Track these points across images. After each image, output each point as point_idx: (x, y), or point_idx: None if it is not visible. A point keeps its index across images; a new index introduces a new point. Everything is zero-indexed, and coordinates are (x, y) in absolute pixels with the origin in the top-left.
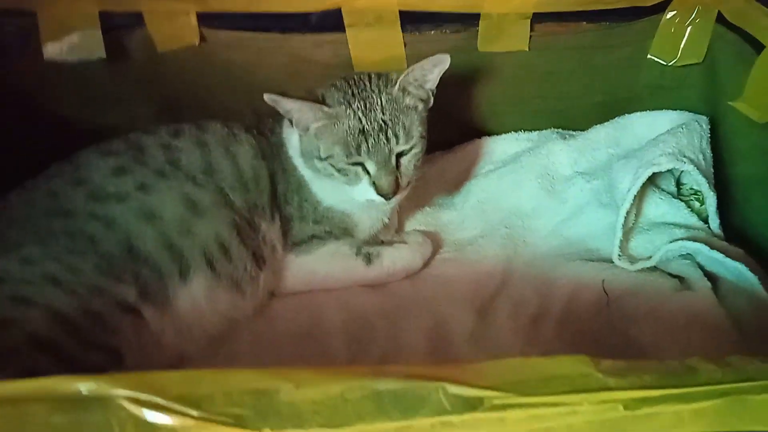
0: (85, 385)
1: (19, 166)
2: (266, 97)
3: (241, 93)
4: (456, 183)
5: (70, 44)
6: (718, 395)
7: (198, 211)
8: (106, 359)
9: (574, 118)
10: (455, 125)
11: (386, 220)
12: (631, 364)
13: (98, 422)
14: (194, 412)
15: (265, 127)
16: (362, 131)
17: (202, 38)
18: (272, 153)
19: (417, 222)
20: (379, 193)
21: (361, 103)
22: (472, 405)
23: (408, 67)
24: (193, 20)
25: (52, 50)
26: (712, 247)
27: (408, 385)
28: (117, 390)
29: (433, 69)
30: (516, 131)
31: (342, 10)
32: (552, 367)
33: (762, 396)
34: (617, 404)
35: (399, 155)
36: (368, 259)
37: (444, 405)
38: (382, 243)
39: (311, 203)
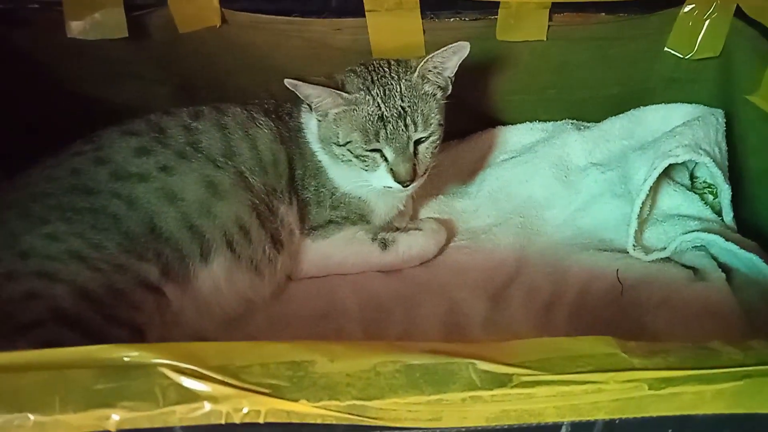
0: (129, 354)
1: (38, 139)
2: (287, 81)
3: (260, 76)
4: (470, 171)
5: (94, 23)
6: (739, 377)
7: (218, 193)
8: (128, 335)
9: (589, 110)
10: (471, 114)
11: (401, 207)
12: (656, 345)
13: (141, 389)
14: (234, 381)
15: (284, 112)
16: (381, 118)
17: (223, 20)
18: (290, 137)
19: (431, 210)
20: (397, 180)
21: (381, 89)
22: (502, 381)
23: (426, 54)
24: (215, 2)
25: (75, 28)
26: (726, 239)
27: (439, 361)
28: (159, 359)
29: (453, 56)
30: (531, 121)
31: None
32: (578, 346)
33: None
34: (642, 383)
35: (417, 143)
36: (384, 244)
37: (474, 381)
38: (397, 230)
39: (328, 189)
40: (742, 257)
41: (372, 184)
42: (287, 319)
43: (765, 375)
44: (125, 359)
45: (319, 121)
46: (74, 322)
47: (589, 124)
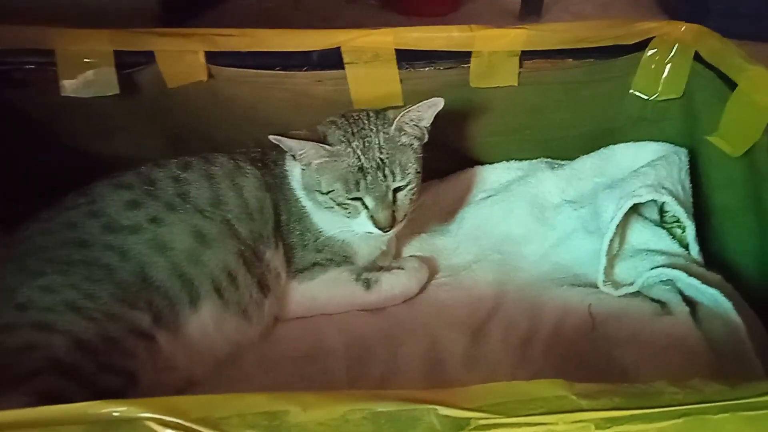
0: (116, 409)
1: (35, 191)
2: (271, 137)
3: (246, 126)
4: (451, 210)
5: (86, 81)
6: (679, 415)
7: (206, 241)
8: (122, 382)
9: (562, 148)
10: (450, 155)
11: (384, 248)
12: (603, 386)
13: None
14: None
15: (269, 160)
16: (361, 169)
17: (210, 75)
18: (275, 184)
19: (414, 248)
20: (377, 226)
21: (360, 141)
22: (460, 425)
23: (404, 101)
24: (202, 58)
25: (69, 87)
26: (690, 274)
27: (403, 407)
28: (145, 413)
29: (428, 110)
30: (507, 160)
31: (341, 48)
32: (532, 390)
33: (719, 415)
34: (589, 424)
35: (396, 191)
36: (367, 284)
37: (435, 425)
38: (381, 269)
39: (313, 233)
40: (705, 292)
41: (354, 229)
42: (275, 359)
43: (702, 413)
44: (114, 414)
45: (303, 169)
46: (70, 372)
47: (563, 162)
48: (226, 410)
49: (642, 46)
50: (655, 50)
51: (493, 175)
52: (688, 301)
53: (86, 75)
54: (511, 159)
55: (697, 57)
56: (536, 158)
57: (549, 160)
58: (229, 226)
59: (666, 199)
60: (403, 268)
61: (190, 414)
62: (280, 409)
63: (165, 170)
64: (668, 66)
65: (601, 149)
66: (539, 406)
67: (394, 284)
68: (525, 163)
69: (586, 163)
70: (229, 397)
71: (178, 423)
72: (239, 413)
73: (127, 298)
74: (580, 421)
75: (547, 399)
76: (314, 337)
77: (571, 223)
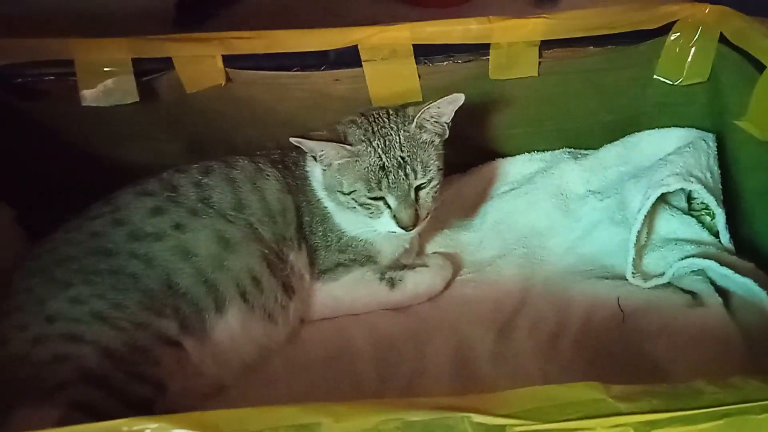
0: (148, 426)
1: (58, 200)
2: (292, 139)
3: (265, 128)
4: (473, 204)
5: (106, 90)
6: (720, 416)
7: (230, 246)
8: (151, 390)
9: (585, 138)
10: (471, 148)
11: (407, 246)
12: (641, 388)
13: None
14: None
15: (290, 161)
16: (382, 168)
17: (228, 79)
18: (297, 186)
19: (437, 244)
20: (400, 225)
21: (381, 140)
22: None
23: (423, 97)
24: (219, 63)
25: (89, 96)
26: (721, 263)
27: (436, 416)
28: (177, 428)
29: (448, 106)
30: (529, 152)
31: (358, 46)
32: (567, 393)
33: (762, 415)
34: (628, 428)
35: (418, 189)
36: (392, 283)
37: None
38: (405, 267)
39: (335, 233)
40: (737, 282)
41: (377, 229)
42: (302, 362)
43: (743, 413)
44: (146, 431)
45: (324, 170)
46: (100, 382)
47: (586, 152)
48: (258, 424)
49: (665, 30)
50: (678, 34)
51: (515, 168)
52: (721, 291)
53: (106, 84)
54: (533, 150)
55: (723, 39)
56: (559, 149)
57: (572, 150)
58: (253, 229)
59: (695, 187)
60: (427, 266)
61: (221, 428)
62: (312, 422)
63: (187, 176)
64: (693, 49)
65: (626, 137)
66: (576, 411)
67: (419, 283)
68: (547, 154)
69: (611, 151)
70: (260, 410)
71: None
72: (271, 426)
73: (153, 306)
74: (619, 425)
75: (584, 403)
76: (340, 338)
77: (597, 214)
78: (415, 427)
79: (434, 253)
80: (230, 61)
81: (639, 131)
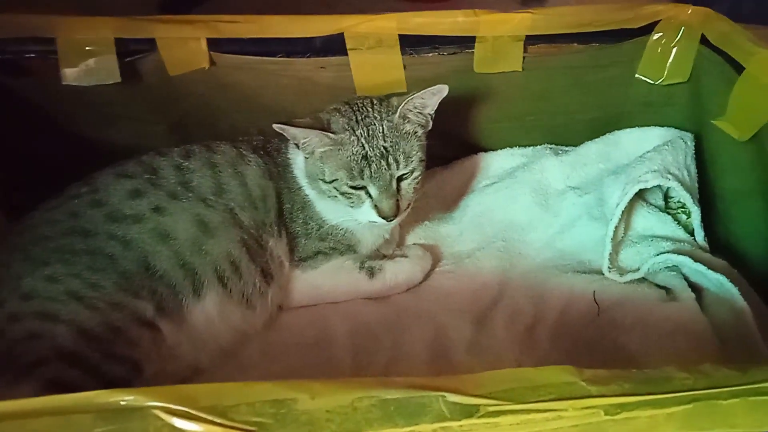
0: (125, 398)
1: (37, 180)
2: (275, 126)
3: (248, 113)
4: (454, 197)
5: (87, 69)
6: (689, 401)
7: (209, 230)
8: (127, 370)
9: (567, 134)
10: (453, 141)
11: (387, 236)
12: (612, 372)
13: (138, 431)
14: (221, 421)
15: (272, 148)
16: (365, 157)
17: (212, 62)
18: (278, 173)
19: (417, 236)
20: (381, 215)
21: (364, 129)
22: (469, 412)
23: (408, 88)
24: (204, 45)
25: (70, 75)
26: (695, 260)
27: (411, 395)
28: (153, 401)
29: (432, 97)
30: (511, 147)
31: (344, 34)
32: (540, 376)
33: (729, 401)
34: (599, 410)
35: (399, 179)
36: (371, 272)
37: (444, 412)
38: (384, 257)
39: (316, 221)
40: (710, 277)
41: (357, 218)
42: (280, 348)
43: (712, 398)
44: (122, 403)
45: (306, 158)
46: (75, 360)
47: (567, 148)
48: (234, 398)
49: (648, 29)
50: (661, 34)
51: (496, 162)
52: (694, 287)
53: (87, 63)
54: (515, 145)
55: (704, 40)
56: (540, 144)
57: (553, 146)
58: (232, 214)
59: (672, 184)
60: (406, 256)
61: (198, 402)
62: (288, 397)
63: (167, 159)
64: (674, 50)
65: (607, 135)
66: (548, 393)
67: (398, 272)
68: (529, 149)
69: (591, 148)
70: (237, 385)
71: (186, 411)
72: (248, 401)
73: (130, 288)
74: (590, 407)
75: (557, 385)
76: (319, 326)
77: (576, 210)
78: (390, 405)
79: (414, 244)
80: (215, 44)
81: (620, 129)
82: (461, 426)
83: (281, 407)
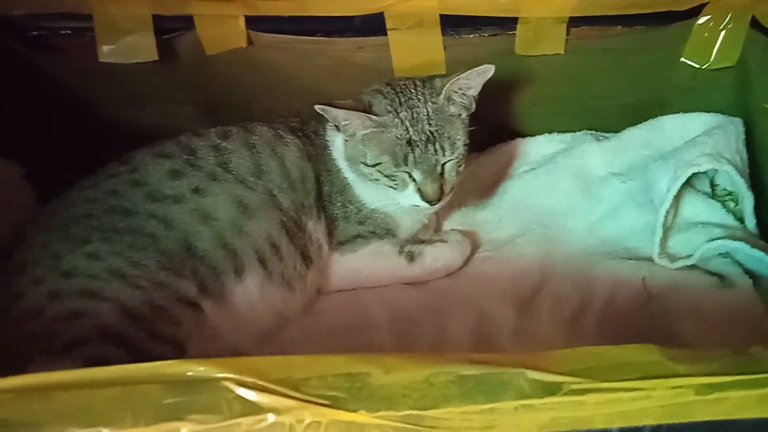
0: (195, 369)
1: (68, 159)
2: (317, 107)
3: (284, 94)
4: (492, 184)
5: (125, 47)
6: None
7: (249, 212)
8: (171, 350)
9: (608, 120)
10: (491, 126)
11: (426, 221)
12: (697, 352)
13: (208, 402)
14: (295, 394)
15: (309, 129)
16: (409, 142)
17: (249, 41)
18: (317, 155)
19: (454, 221)
20: (425, 199)
21: (408, 112)
22: (551, 390)
23: (447, 70)
24: (242, 24)
25: (107, 52)
26: (752, 246)
27: (490, 371)
28: (223, 373)
29: (477, 78)
30: (550, 132)
31: (384, 14)
32: (623, 354)
33: None
34: (689, 389)
35: (444, 163)
36: (411, 257)
37: (525, 389)
38: (422, 242)
39: (355, 205)
40: None
41: (399, 202)
42: (319, 332)
43: None
44: (191, 374)
45: (346, 140)
46: (119, 339)
47: (608, 135)
48: (306, 371)
49: (695, 12)
50: (708, 17)
51: (535, 148)
52: (749, 274)
53: (125, 40)
54: (554, 131)
55: (754, 23)
56: (580, 130)
57: (594, 132)
58: (272, 196)
59: (726, 168)
60: (445, 242)
61: (268, 374)
62: (361, 371)
63: (205, 139)
64: (722, 33)
65: (649, 120)
66: (632, 371)
67: (437, 257)
68: (569, 135)
69: (634, 134)
70: (308, 358)
71: (256, 383)
72: (320, 374)
73: (172, 267)
74: (679, 387)
75: (641, 364)
76: (358, 310)
77: (619, 196)
78: (469, 382)
79: (452, 229)
80: (252, 23)
81: (662, 115)
82: (544, 404)
83: (355, 381)
